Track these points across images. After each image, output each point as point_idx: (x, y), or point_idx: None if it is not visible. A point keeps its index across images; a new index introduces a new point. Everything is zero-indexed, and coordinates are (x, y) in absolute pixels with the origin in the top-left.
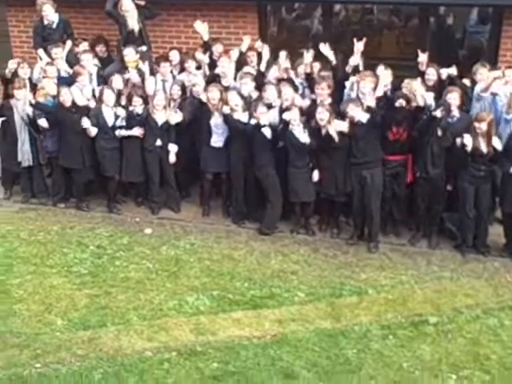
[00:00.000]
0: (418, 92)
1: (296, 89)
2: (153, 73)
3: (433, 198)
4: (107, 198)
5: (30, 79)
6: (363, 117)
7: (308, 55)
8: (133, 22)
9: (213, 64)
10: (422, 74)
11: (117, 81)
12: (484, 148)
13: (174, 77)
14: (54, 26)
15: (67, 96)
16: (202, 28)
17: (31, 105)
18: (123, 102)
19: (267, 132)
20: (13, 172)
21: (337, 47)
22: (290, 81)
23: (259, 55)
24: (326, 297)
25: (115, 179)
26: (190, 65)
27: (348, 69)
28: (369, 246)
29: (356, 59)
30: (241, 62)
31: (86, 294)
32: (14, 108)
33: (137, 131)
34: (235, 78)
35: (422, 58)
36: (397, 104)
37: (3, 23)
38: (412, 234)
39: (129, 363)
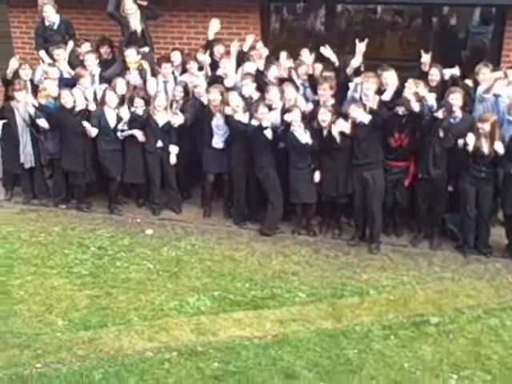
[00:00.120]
0: (420, 94)
1: (297, 89)
2: (154, 74)
3: (434, 199)
4: (108, 199)
5: (32, 81)
6: (365, 118)
7: (309, 56)
8: (135, 23)
9: (215, 65)
10: (424, 75)
11: (120, 85)
12: (486, 149)
13: (175, 78)
14: (56, 27)
15: (69, 98)
16: (214, 26)
17: (34, 107)
18: (126, 103)
19: (268, 133)
20: (14, 173)
21: (339, 48)
22: (291, 81)
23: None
24: (327, 297)
25: (116, 180)
26: (192, 66)
27: (349, 70)
28: (370, 246)
29: (358, 60)
30: (243, 60)
31: (86, 294)
32: (15, 110)
33: (138, 134)
34: (238, 69)
35: (425, 58)
36: (400, 112)
37: (5, 24)
38: (413, 235)
39: (129, 363)
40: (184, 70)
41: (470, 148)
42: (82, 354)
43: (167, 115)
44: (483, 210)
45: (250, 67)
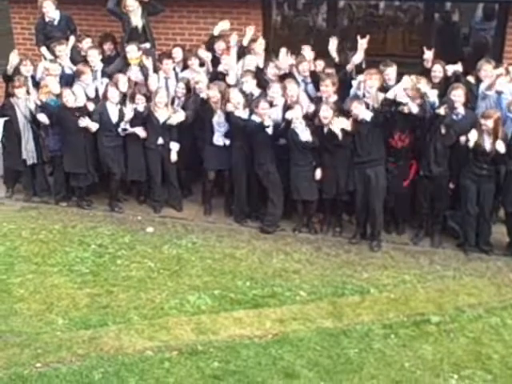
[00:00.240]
0: (422, 91)
1: (298, 86)
2: (156, 70)
3: (436, 197)
4: (109, 197)
5: (34, 77)
6: (367, 115)
7: (310, 52)
8: (136, 19)
9: (216, 61)
10: (427, 72)
11: (122, 80)
12: (488, 146)
13: (176, 74)
14: (56, 22)
15: (70, 97)
16: (223, 25)
17: (35, 104)
18: (127, 101)
19: (269, 129)
20: (15, 170)
21: (341, 44)
22: (292, 77)
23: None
24: (328, 296)
25: (117, 177)
26: (194, 62)
27: (350, 66)
28: (371, 244)
29: (359, 56)
30: (244, 53)
31: (87, 293)
32: (15, 106)
33: (139, 131)
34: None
35: (428, 55)
36: (405, 110)
37: (6, 20)
38: (415, 233)
39: (129, 362)
40: (185, 66)
41: (471, 144)
42: (82, 353)
43: (168, 112)
44: (484, 207)
45: (250, 61)
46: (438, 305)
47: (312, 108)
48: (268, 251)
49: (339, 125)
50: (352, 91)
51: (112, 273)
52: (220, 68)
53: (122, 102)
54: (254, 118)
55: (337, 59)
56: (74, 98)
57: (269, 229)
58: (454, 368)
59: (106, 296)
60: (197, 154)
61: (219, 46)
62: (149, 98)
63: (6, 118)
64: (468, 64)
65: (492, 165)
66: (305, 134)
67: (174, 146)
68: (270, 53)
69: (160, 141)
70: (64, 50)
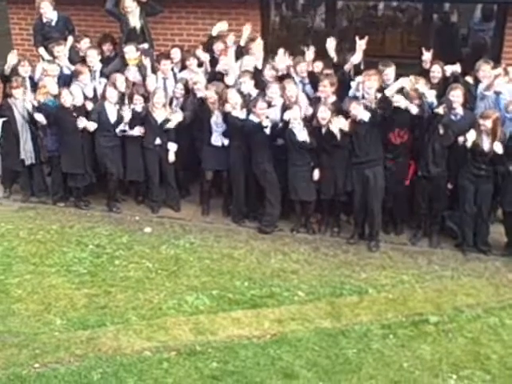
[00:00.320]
0: (420, 91)
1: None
2: (154, 70)
3: (434, 197)
4: (107, 197)
5: (32, 78)
6: (365, 115)
7: (309, 53)
8: (134, 20)
9: (214, 61)
10: (425, 72)
11: (120, 80)
12: (486, 146)
13: (174, 75)
14: (53, 23)
15: (68, 98)
16: (221, 26)
17: (33, 105)
18: (126, 101)
19: (267, 130)
20: (13, 170)
21: (339, 45)
22: (289, 78)
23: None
24: (327, 296)
25: (115, 177)
26: (192, 62)
27: (348, 67)
28: (369, 244)
29: (358, 57)
30: (242, 53)
31: (85, 293)
32: (13, 107)
33: (138, 131)
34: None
35: (427, 56)
36: (402, 106)
37: (4, 21)
38: (413, 233)
39: (128, 363)
40: (183, 67)
41: (469, 144)
42: (81, 354)
43: (166, 112)
44: (482, 207)
45: (248, 61)
46: (437, 305)
47: (310, 111)
48: (266, 251)
49: (338, 125)
50: (351, 92)
51: (110, 273)
52: (218, 68)
53: (121, 102)
54: (252, 118)
55: (335, 59)
56: (72, 97)
57: (267, 229)
58: (453, 368)
59: (104, 296)
60: (195, 155)
61: (217, 46)
62: (147, 98)
63: (3, 119)
64: (466, 64)
65: (490, 165)
66: (302, 135)
67: (172, 147)
68: (269, 53)
69: (158, 141)
70: (62, 51)
